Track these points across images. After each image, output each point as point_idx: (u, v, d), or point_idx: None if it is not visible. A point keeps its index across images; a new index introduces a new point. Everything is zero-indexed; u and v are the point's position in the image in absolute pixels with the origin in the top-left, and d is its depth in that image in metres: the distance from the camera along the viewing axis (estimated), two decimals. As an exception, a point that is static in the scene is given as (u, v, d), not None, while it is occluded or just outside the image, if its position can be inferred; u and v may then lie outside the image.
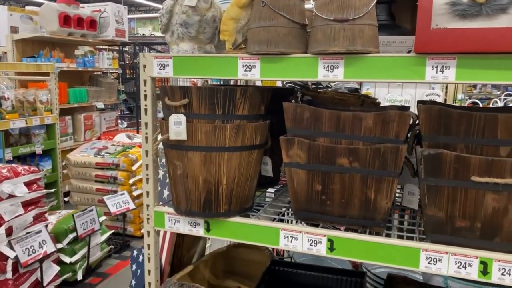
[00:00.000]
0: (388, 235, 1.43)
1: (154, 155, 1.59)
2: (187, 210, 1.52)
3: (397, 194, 1.86)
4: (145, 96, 1.56)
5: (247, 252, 2.26)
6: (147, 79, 1.55)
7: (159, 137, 1.52)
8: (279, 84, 3.60)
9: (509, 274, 1.22)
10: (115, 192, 3.85)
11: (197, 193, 1.48)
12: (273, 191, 1.97)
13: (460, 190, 1.24)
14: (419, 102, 1.36)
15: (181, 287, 1.51)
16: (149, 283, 1.70)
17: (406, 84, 6.14)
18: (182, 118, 1.40)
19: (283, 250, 2.87)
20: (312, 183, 1.44)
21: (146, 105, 1.56)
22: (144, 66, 1.54)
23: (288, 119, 1.43)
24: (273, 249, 2.79)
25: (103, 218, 3.38)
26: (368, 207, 1.40)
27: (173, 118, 1.40)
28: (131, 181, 3.96)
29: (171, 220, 1.60)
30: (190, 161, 1.45)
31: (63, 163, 4.34)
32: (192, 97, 1.40)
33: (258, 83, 3.64)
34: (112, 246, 3.63)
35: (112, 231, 3.60)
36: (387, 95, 5.12)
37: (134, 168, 3.95)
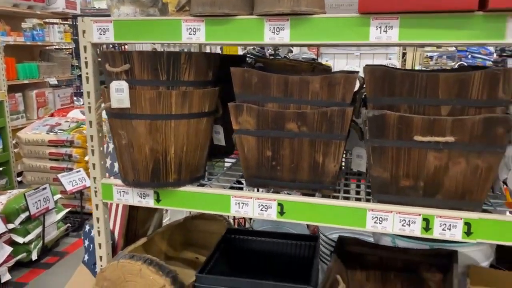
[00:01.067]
0: (337, 198, 1.44)
1: (98, 125, 1.52)
2: (135, 181, 1.48)
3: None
4: (86, 63, 1.48)
5: (204, 224, 2.25)
6: (87, 45, 1.46)
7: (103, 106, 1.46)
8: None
9: (449, 229, 1.27)
10: (71, 169, 3.73)
11: (144, 163, 1.44)
12: (234, 161, 1.95)
13: (404, 150, 1.26)
14: (366, 65, 1.36)
15: (131, 258, 1.48)
16: (100, 257, 1.66)
17: (365, 55, 6.23)
18: (124, 84, 1.34)
19: (244, 220, 2.88)
20: (262, 149, 1.43)
21: (87, 73, 1.49)
22: (84, 32, 1.46)
23: (236, 85, 1.40)
24: (234, 219, 2.80)
25: (59, 196, 3.27)
26: (317, 171, 1.40)
27: (114, 85, 1.34)
28: (87, 158, 3.83)
29: (120, 192, 1.56)
30: (135, 130, 1.40)
31: (14, 142, 4.15)
32: (133, 63, 1.34)
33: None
34: (70, 225, 3.53)
35: (69, 209, 3.50)
36: (345, 66, 5.17)
37: (90, 144, 3.82)
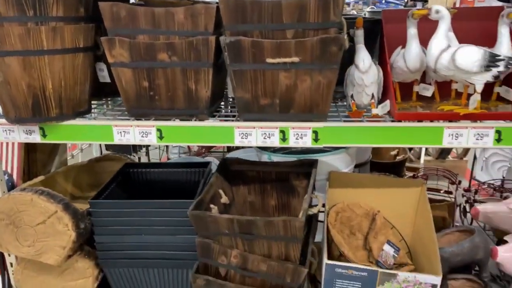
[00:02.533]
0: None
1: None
2: (17, 117, 1.53)
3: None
4: (-51, 2, 1.46)
5: (110, 165, 2.34)
6: None
7: (-27, 45, 1.47)
8: None
9: (302, 138, 1.49)
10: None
11: (23, 100, 1.49)
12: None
13: (259, 72, 1.44)
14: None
15: (22, 190, 1.57)
16: (-5, 195, 1.73)
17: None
18: (-11, 21, 1.36)
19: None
20: (138, 80, 1.54)
21: (-48, 12, 1.47)
22: None
23: (106, 19, 1.47)
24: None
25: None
26: (191, 98, 1.55)
27: (-21, 22, 1.36)
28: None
29: (6, 130, 1.60)
30: (8, 68, 1.44)
31: None
32: (-3, -1, 1.36)
33: None
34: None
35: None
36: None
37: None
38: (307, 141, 1.50)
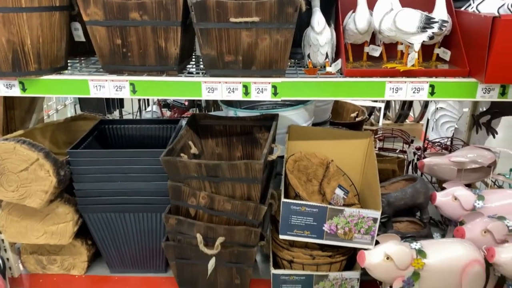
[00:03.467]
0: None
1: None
2: (-3, 71, 1.64)
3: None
4: None
5: (85, 124, 2.46)
6: None
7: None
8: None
9: (262, 92, 1.67)
10: None
11: (3, 54, 1.60)
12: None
13: (224, 30, 1.59)
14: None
15: (5, 140, 1.69)
16: (-23, 147, 1.84)
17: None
18: (-32, -22, 1.45)
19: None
20: (112, 38, 1.66)
21: None
22: None
23: (81, -20, 1.58)
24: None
25: None
26: (162, 55, 1.69)
27: (-41, -22, 1.45)
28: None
29: (-14, 84, 1.71)
30: (-12, 23, 1.54)
31: None
32: (-25, -43, 1.45)
33: None
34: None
35: None
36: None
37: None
38: (267, 95, 1.68)
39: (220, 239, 1.73)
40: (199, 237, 1.73)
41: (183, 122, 2.26)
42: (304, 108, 2.04)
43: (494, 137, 2.75)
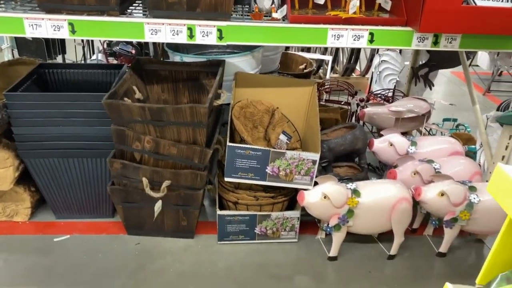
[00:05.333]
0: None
1: None
2: None
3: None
4: None
5: (24, 69, 2.32)
6: None
7: None
8: None
9: (207, 36, 1.66)
10: None
11: None
12: None
13: (167, -31, 1.54)
14: None
15: None
16: None
17: None
18: None
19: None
20: (47, -27, 1.57)
21: None
22: None
23: None
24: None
25: None
26: (101, -6, 1.62)
27: None
28: None
29: None
30: None
31: None
32: None
33: None
34: None
35: None
36: None
37: None
38: (212, 39, 1.67)
39: (166, 183, 1.76)
40: (145, 181, 1.75)
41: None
42: (251, 55, 2.05)
43: (430, 89, 2.91)
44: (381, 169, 2.61)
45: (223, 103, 1.89)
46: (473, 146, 2.43)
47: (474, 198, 1.79)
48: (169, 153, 1.74)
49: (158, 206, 1.81)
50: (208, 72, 1.99)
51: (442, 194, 1.78)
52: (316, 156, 1.75)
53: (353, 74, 3.94)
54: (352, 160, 2.35)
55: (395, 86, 3.11)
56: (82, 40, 3.34)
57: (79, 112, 1.78)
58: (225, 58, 1.98)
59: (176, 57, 2.03)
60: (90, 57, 3.88)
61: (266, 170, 1.77)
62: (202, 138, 1.72)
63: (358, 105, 2.87)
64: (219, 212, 1.85)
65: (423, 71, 2.85)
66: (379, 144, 2.18)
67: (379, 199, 1.79)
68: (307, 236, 2.03)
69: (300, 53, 3.43)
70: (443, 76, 4.53)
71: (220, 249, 1.93)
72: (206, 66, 1.98)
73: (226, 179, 1.80)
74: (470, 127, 2.79)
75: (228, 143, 1.73)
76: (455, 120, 2.83)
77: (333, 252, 1.88)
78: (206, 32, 1.66)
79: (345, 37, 1.69)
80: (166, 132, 1.71)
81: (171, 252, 1.90)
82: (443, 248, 1.94)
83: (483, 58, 4.55)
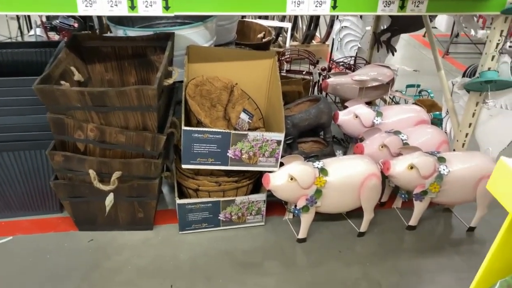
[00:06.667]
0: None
1: None
2: None
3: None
4: None
5: None
6: None
7: None
8: None
9: (151, 6, 1.45)
10: None
11: None
12: None
13: None
14: None
15: None
16: None
17: None
18: None
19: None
20: None
21: None
22: None
23: None
24: None
25: None
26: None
27: None
28: None
29: None
30: None
31: None
32: None
33: None
34: None
35: None
36: None
37: None
38: (157, 9, 1.47)
39: (116, 174, 1.59)
40: (92, 173, 1.57)
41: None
42: (204, 26, 1.85)
43: (393, 54, 2.82)
44: (347, 141, 2.53)
45: (176, 81, 1.70)
46: (438, 113, 2.37)
47: (444, 170, 1.74)
48: (117, 142, 1.55)
49: (109, 199, 1.64)
50: (156, 47, 1.78)
51: (412, 167, 1.71)
52: (281, 136, 1.62)
53: (313, 41, 3.80)
54: (317, 134, 2.24)
55: (356, 53, 3.00)
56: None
57: (8, 99, 1.55)
58: (175, 30, 1.78)
59: (119, 31, 1.81)
60: (28, 31, 3.52)
61: (228, 154, 1.63)
62: (153, 123, 1.54)
63: (320, 74, 2.75)
64: (178, 201, 1.71)
65: (385, 37, 2.75)
66: (344, 117, 2.07)
67: (348, 177, 1.70)
68: (274, 217, 1.94)
69: (258, 21, 3.23)
70: (401, 40, 4.48)
71: (182, 239, 1.80)
72: (153, 40, 1.77)
73: (183, 166, 1.65)
74: (433, 92, 2.74)
75: (184, 127, 1.57)
76: (418, 86, 2.77)
77: (301, 234, 1.79)
78: (150, 2, 1.45)
79: (306, 4, 1.53)
80: (112, 118, 1.52)
81: (129, 246, 1.75)
82: (413, 222, 1.90)
83: (441, 20, 4.53)
